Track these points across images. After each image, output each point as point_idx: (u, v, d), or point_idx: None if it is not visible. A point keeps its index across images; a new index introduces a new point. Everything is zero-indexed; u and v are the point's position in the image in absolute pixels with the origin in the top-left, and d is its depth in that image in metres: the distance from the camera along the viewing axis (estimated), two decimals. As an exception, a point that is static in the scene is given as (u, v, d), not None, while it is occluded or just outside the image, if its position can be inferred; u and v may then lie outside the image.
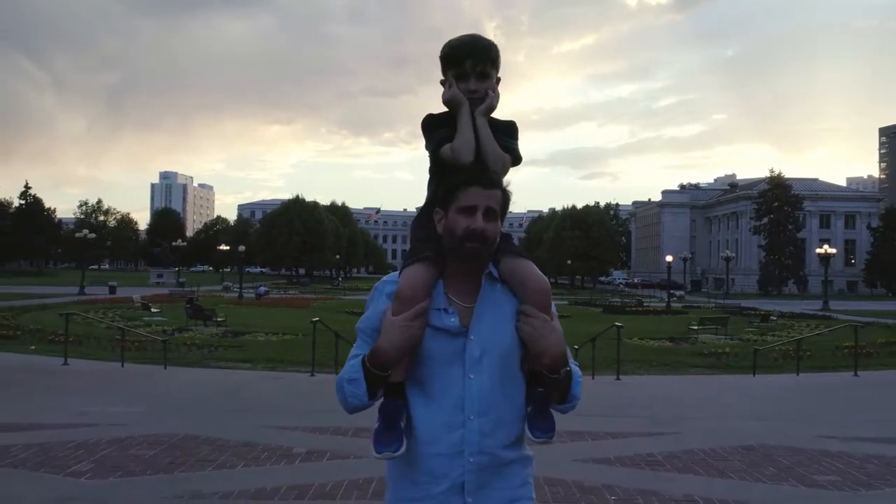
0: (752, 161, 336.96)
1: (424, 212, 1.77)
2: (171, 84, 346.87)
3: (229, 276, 75.73)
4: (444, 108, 1.81)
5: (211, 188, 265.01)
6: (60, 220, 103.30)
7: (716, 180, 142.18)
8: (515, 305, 1.69)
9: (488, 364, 1.66)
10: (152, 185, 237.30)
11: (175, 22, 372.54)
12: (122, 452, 5.74)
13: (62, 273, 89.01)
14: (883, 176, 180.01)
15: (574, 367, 1.71)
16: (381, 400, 1.68)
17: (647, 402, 9.29)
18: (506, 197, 1.70)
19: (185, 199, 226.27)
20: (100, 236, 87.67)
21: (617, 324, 13.08)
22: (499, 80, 1.81)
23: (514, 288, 1.70)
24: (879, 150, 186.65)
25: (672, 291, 53.43)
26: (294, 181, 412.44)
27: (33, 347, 16.75)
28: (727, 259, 62.67)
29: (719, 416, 8.23)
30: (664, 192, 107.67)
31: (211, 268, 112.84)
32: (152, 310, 29.49)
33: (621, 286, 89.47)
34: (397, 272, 1.76)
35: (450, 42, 1.80)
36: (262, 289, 48.85)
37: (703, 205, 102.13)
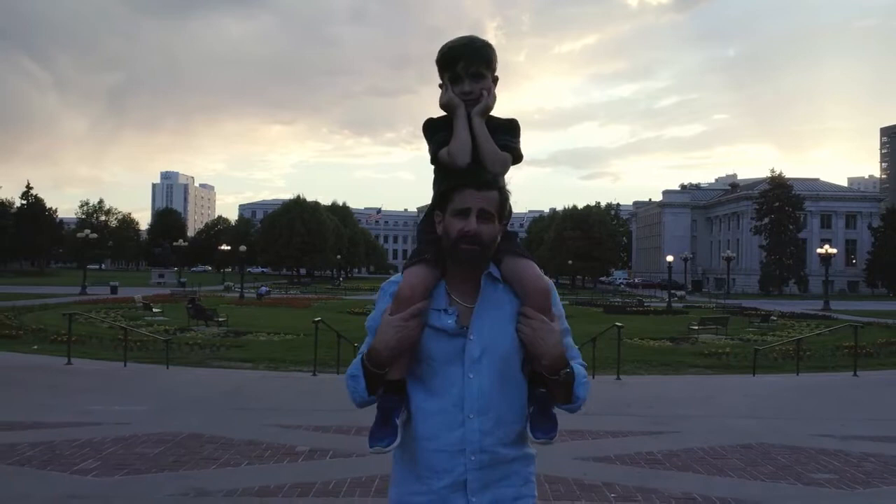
0: (753, 161, 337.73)
1: (429, 213, 1.79)
2: (173, 84, 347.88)
3: (230, 277, 75.80)
4: (443, 112, 1.83)
5: (212, 188, 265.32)
6: (62, 220, 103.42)
7: (717, 180, 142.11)
8: (517, 306, 1.71)
9: (488, 364, 1.67)
10: (153, 185, 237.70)
11: (177, 22, 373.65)
12: (128, 451, 5.80)
13: (63, 273, 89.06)
14: (884, 176, 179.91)
15: (578, 367, 1.71)
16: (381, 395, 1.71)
17: (648, 402, 9.34)
18: (504, 197, 1.70)
19: (186, 199, 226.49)
20: (101, 236, 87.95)
21: (617, 324, 13.12)
22: (496, 79, 1.82)
23: (515, 288, 1.72)
24: (881, 149, 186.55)
25: (673, 291, 53.46)
26: (295, 181, 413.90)
27: (36, 347, 16.84)
28: (728, 259, 62.66)
29: (719, 416, 8.27)
30: (665, 192, 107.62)
31: (210, 268, 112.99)
32: (154, 310, 29.56)
33: (622, 286, 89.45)
34: (401, 271, 1.78)
35: (444, 46, 1.81)
36: (264, 289, 48.92)
37: (703, 205, 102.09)
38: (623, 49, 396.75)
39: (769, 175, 78.91)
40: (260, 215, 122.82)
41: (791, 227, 75.69)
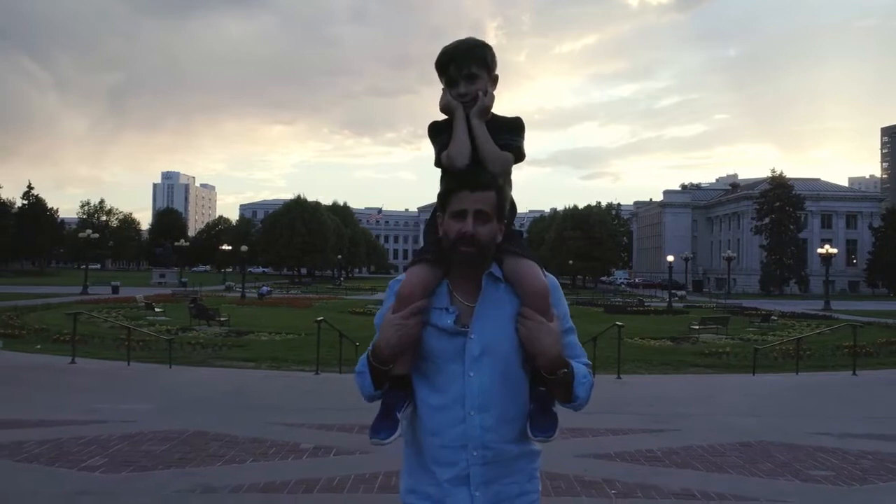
0: (753, 161, 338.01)
1: (434, 214, 1.82)
2: (173, 84, 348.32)
3: (231, 277, 75.94)
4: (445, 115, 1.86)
5: (213, 188, 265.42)
6: (63, 220, 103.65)
7: (717, 180, 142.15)
8: (518, 305, 1.73)
9: (489, 362, 1.70)
10: (154, 185, 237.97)
11: (177, 22, 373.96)
12: (134, 448, 5.87)
13: (64, 273, 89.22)
14: (885, 176, 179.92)
15: (579, 367, 1.74)
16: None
17: (648, 401, 9.40)
18: (502, 196, 1.72)
19: (186, 199, 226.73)
20: (102, 236, 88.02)
21: (618, 323, 13.18)
22: (496, 78, 1.83)
23: (515, 289, 1.74)
24: (881, 149, 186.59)
25: (673, 291, 53.51)
26: (296, 181, 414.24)
27: (39, 346, 16.90)
28: (728, 259, 62.78)
29: (718, 414, 8.35)
30: (666, 192, 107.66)
31: (209, 267, 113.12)
32: (156, 309, 29.63)
33: (623, 286, 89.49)
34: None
35: (441, 50, 1.83)
36: (265, 289, 48.99)
37: (704, 205, 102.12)
38: (623, 49, 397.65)
39: (770, 175, 78.95)
40: (261, 215, 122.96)
41: (792, 227, 75.72)
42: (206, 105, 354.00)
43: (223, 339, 20.88)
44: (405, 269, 1.82)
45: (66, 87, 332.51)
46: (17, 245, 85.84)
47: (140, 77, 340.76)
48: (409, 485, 1.79)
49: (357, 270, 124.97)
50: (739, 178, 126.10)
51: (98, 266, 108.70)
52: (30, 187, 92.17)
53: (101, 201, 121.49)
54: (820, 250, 50.39)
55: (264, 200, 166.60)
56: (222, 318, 25.47)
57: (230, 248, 70.55)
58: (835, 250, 52.41)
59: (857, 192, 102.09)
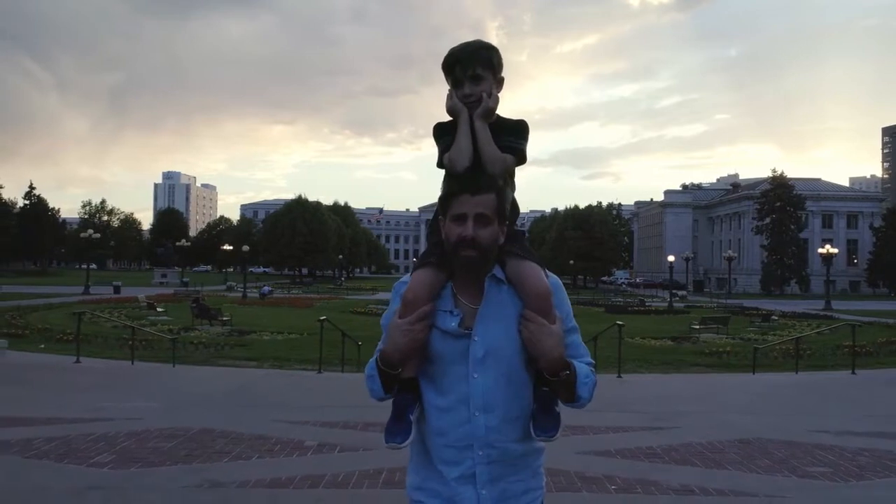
0: (754, 161, 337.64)
1: (436, 216, 1.84)
2: (174, 84, 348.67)
3: (232, 276, 76.09)
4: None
5: (214, 188, 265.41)
6: (64, 220, 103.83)
7: (718, 180, 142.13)
8: (521, 307, 1.75)
9: (492, 364, 1.73)
10: (155, 185, 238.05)
11: (177, 22, 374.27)
12: (141, 445, 5.95)
13: (66, 273, 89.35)
14: (886, 175, 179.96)
15: (582, 367, 1.76)
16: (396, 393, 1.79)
17: (648, 399, 9.48)
18: (503, 198, 1.74)
19: (188, 199, 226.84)
20: (103, 236, 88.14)
21: (618, 322, 13.25)
22: (501, 80, 1.85)
23: (517, 291, 1.76)
24: (882, 149, 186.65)
25: (674, 291, 53.56)
26: (297, 181, 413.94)
27: (42, 346, 17.01)
28: (729, 259, 62.81)
29: (718, 412, 8.41)
30: (666, 192, 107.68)
31: (210, 267, 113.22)
32: (158, 309, 29.73)
33: (624, 286, 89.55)
34: (410, 273, 1.85)
35: (448, 51, 1.85)
36: (267, 288, 49.06)
37: (705, 205, 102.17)
38: (624, 49, 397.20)
39: (771, 175, 78.99)
40: (262, 215, 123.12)
41: (792, 226, 75.75)
42: (206, 105, 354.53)
43: (225, 338, 20.98)
44: (412, 271, 1.84)
45: (67, 87, 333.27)
46: (19, 245, 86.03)
47: (141, 77, 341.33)
48: (416, 482, 1.83)
49: (358, 270, 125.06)
50: (740, 178, 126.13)
51: (94, 266, 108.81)
52: (31, 187, 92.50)
53: (103, 201, 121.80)
54: (821, 250, 50.44)
55: (265, 200, 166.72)
56: (224, 318, 25.58)
57: (231, 248, 70.73)
58: (835, 250, 52.41)
59: (857, 192, 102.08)
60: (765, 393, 10.33)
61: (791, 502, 4.78)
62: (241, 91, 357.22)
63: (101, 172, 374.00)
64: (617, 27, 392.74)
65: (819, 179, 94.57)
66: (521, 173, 1.89)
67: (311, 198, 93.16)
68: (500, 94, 1.84)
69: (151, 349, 16.65)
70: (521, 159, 1.84)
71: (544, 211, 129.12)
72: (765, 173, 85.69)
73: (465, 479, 1.73)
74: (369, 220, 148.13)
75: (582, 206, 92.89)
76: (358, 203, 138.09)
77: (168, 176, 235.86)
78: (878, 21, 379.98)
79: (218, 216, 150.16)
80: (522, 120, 1.86)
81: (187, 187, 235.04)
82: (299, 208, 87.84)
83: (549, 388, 1.74)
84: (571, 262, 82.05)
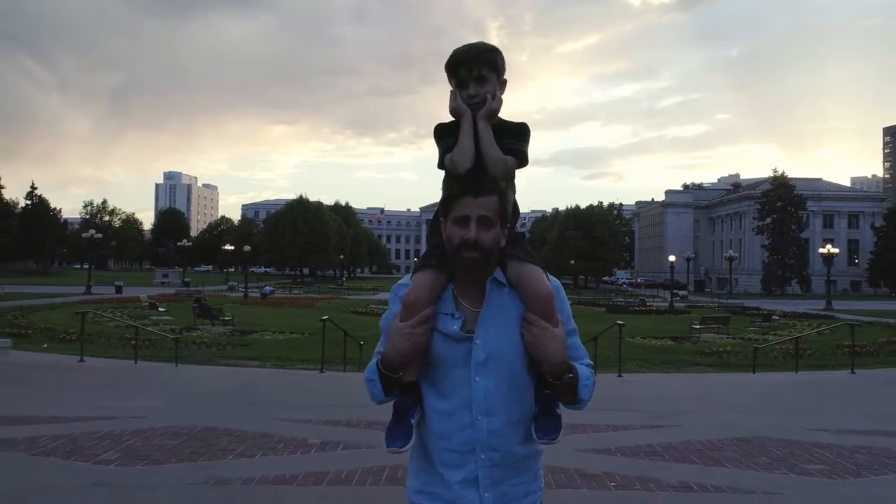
0: (755, 161, 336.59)
1: (437, 217, 1.83)
2: (175, 84, 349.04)
3: (233, 276, 76.18)
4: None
5: (215, 188, 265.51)
6: (66, 220, 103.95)
7: (719, 180, 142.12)
8: (522, 310, 1.74)
9: (494, 367, 1.72)
10: (156, 186, 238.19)
11: (178, 22, 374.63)
12: (146, 443, 6.03)
13: (67, 273, 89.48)
14: (887, 175, 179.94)
15: (583, 369, 1.76)
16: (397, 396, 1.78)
17: (649, 398, 9.55)
18: (504, 200, 1.73)
19: (189, 200, 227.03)
20: (105, 236, 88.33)
21: (619, 322, 13.30)
22: (504, 82, 1.86)
23: (519, 293, 1.75)
24: (884, 149, 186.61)
25: (675, 291, 53.59)
26: (298, 181, 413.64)
27: (45, 345, 17.07)
28: (730, 259, 62.88)
29: (717, 411, 8.48)
30: (667, 192, 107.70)
31: (211, 267, 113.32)
32: (159, 309, 29.81)
33: (625, 286, 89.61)
34: (410, 275, 1.84)
35: (452, 52, 1.86)
36: (268, 288, 49.14)
37: (706, 205, 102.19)
38: (625, 49, 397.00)
39: (772, 175, 78.98)
40: (263, 215, 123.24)
41: (793, 226, 75.73)
42: (207, 105, 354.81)
43: (227, 338, 21.04)
44: (412, 273, 1.83)
45: (69, 87, 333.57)
46: (21, 245, 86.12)
47: (141, 77, 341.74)
48: (416, 485, 1.82)
49: (359, 270, 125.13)
50: (741, 177, 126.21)
51: (93, 266, 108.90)
52: (33, 188, 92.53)
53: (104, 201, 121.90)
54: (822, 250, 50.46)
55: (266, 200, 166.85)
56: (226, 318, 25.65)
57: (232, 248, 70.80)
58: (836, 250, 52.39)
59: (858, 192, 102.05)
60: (764, 392, 10.39)
61: (788, 499, 4.84)
62: (242, 91, 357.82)
63: (102, 172, 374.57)
64: (618, 27, 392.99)
65: (820, 179, 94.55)
66: (521, 174, 1.91)
67: (313, 198, 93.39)
68: (502, 97, 1.85)
69: (154, 349, 16.71)
70: (523, 162, 1.84)
71: (545, 211, 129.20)
72: (766, 173, 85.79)
73: (468, 482, 1.73)
74: (370, 221, 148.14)
75: (583, 206, 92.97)
76: (359, 203, 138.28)
77: (169, 176, 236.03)
78: (879, 21, 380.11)
79: (219, 216, 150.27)
80: (524, 123, 1.87)
81: (188, 187, 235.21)
82: (300, 208, 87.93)
83: (550, 391, 1.74)
84: (572, 262, 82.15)
